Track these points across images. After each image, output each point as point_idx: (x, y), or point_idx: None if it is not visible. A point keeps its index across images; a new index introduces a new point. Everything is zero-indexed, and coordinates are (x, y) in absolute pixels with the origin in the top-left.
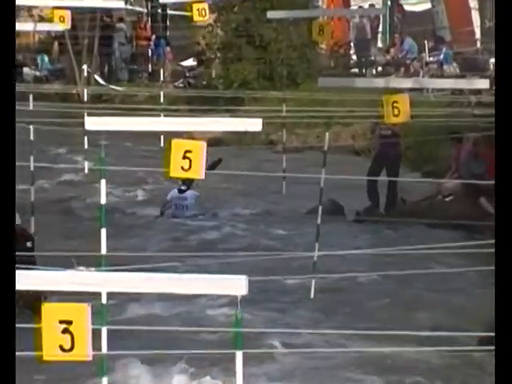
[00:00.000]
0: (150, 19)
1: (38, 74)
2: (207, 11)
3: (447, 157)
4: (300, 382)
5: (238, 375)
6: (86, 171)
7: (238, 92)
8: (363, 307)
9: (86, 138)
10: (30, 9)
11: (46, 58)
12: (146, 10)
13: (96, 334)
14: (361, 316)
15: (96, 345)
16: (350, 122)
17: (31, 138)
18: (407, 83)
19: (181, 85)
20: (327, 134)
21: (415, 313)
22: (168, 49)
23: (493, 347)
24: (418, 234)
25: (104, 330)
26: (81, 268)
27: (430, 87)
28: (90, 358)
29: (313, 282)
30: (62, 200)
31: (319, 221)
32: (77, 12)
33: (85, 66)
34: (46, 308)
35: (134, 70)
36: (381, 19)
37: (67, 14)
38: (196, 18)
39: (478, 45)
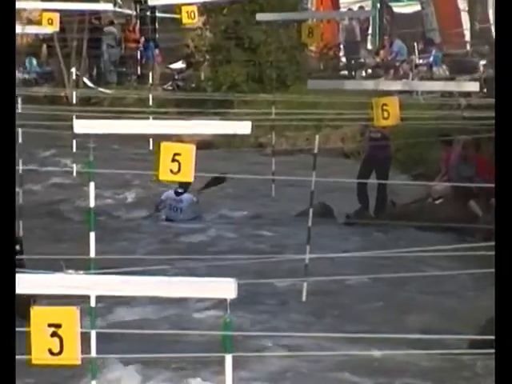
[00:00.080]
0: (138, 22)
1: (26, 76)
2: (196, 13)
3: (437, 159)
4: None
5: (228, 378)
6: (75, 174)
7: (227, 95)
8: (354, 310)
9: (74, 141)
10: (18, 11)
11: (35, 61)
12: (134, 13)
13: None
14: (351, 319)
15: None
16: (340, 124)
17: (19, 140)
18: (397, 85)
19: (170, 87)
20: (317, 136)
21: (406, 316)
22: (157, 51)
23: (483, 350)
24: (408, 237)
25: (93, 334)
26: (70, 271)
27: (419, 89)
28: (79, 362)
29: (305, 285)
30: (51, 203)
31: (310, 223)
32: (65, 15)
33: (73, 69)
34: (35, 311)
35: (123, 73)
36: (370, 21)
37: (56, 16)
38: (185, 20)
39: (468, 47)
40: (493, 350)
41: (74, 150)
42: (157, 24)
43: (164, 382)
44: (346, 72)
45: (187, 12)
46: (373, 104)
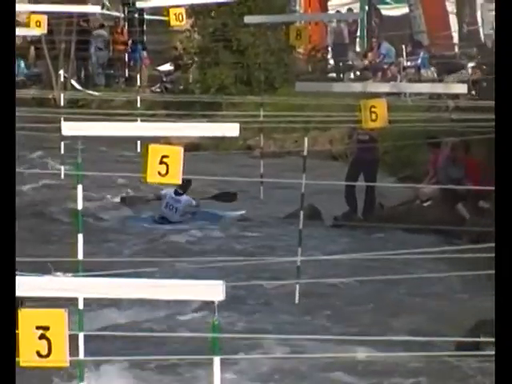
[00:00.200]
0: (126, 24)
1: None
2: (184, 16)
3: (425, 162)
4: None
5: (216, 380)
6: (63, 176)
7: (216, 97)
8: (343, 312)
9: (62, 143)
10: None
11: (23, 63)
12: (122, 15)
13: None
14: (340, 321)
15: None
16: (328, 126)
17: None
18: (385, 88)
19: (158, 90)
20: (306, 138)
21: (395, 318)
22: (144, 53)
23: (470, 352)
24: (396, 239)
25: (81, 336)
26: (58, 273)
27: (407, 91)
28: (68, 364)
29: (297, 287)
30: (38, 204)
31: (301, 226)
32: (53, 17)
33: (61, 71)
34: (23, 314)
35: (111, 75)
36: (359, 24)
37: (44, 18)
38: (173, 22)
39: (456, 49)
40: (480, 352)
41: (62, 151)
42: (145, 26)
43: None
44: (334, 74)
45: (175, 14)
46: (361, 106)
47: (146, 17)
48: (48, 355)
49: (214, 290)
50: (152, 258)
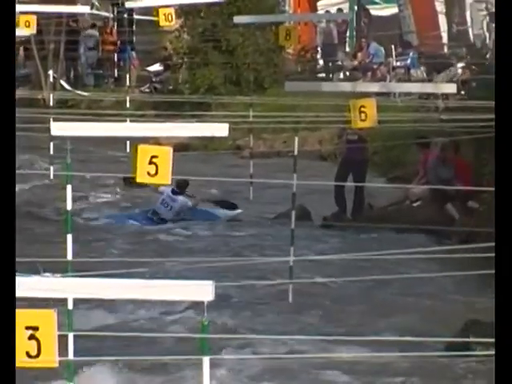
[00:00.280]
0: (116, 24)
1: None
2: (174, 16)
3: (414, 162)
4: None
5: (205, 380)
6: (52, 177)
7: (205, 97)
8: (334, 311)
9: (51, 144)
10: None
11: None
12: (112, 15)
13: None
14: (331, 320)
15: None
16: (317, 126)
17: None
18: (374, 87)
19: (147, 90)
20: (296, 138)
21: (386, 317)
22: (133, 54)
23: (460, 353)
24: (386, 239)
25: (70, 336)
26: (47, 274)
27: (397, 91)
28: (57, 365)
29: (290, 287)
30: (26, 205)
31: (293, 225)
32: (43, 17)
33: (51, 72)
34: None
35: (100, 75)
36: (348, 24)
37: (33, 19)
38: (162, 22)
39: (445, 49)
40: (471, 352)
41: (51, 152)
42: (134, 26)
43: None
44: (323, 74)
45: (165, 14)
46: (350, 106)
47: (135, 17)
48: (37, 356)
49: (203, 290)
50: (142, 257)
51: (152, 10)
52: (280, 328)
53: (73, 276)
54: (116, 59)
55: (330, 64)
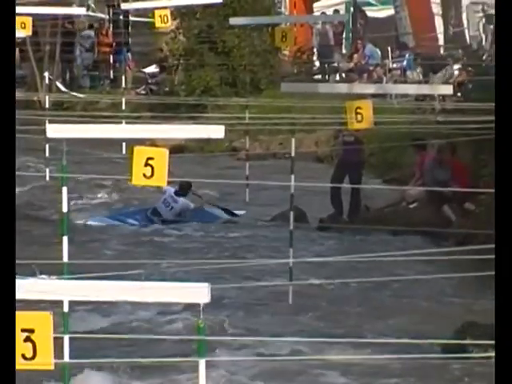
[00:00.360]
0: (111, 26)
1: None
2: (169, 18)
3: (411, 164)
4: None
5: (201, 382)
6: (48, 178)
7: (201, 99)
8: (331, 313)
9: (47, 146)
10: None
11: None
12: (107, 17)
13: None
14: (328, 322)
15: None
16: (313, 128)
17: None
18: (370, 89)
19: (143, 92)
20: (293, 140)
21: (383, 319)
22: (129, 55)
23: (457, 355)
24: (382, 241)
25: (66, 339)
26: (43, 276)
27: (393, 93)
28: (53, 367)
29: (290, 288)
30: (22, 207)
31: (291, 226)
32: (38, 19)
33: (46, 73)
34: None
35: (96, 77)
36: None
37: (28, 20)
38: (158, 24)
39: (442, 51)
40: (468, 354)
41: (47, 154)
42: (130, 28)
43: None
44: (319, 76)
45: (160, 16)
46: (346, 108)
47: (131, 18)
48: (33, 358)
49: (199, 292)
50: (137, 258)
51: (147, 12)
52: (279, 329)
53: (68, 278)
54: (112, 61)
55: (326, 65)
